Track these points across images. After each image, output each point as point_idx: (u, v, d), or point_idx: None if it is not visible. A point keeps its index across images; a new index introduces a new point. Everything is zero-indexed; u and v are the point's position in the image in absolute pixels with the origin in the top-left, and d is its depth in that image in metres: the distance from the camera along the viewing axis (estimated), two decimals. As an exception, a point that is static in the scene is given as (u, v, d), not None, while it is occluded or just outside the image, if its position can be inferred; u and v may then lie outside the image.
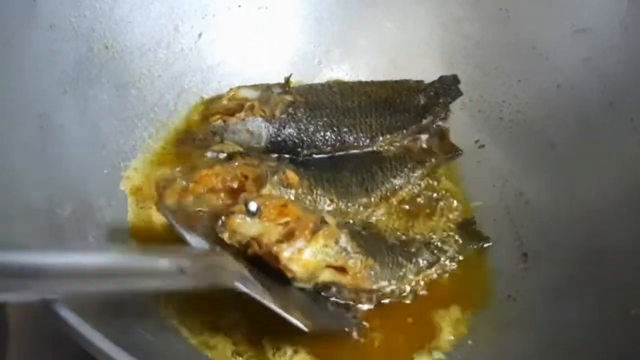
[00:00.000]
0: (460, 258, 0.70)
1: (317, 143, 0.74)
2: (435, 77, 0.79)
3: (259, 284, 0.56)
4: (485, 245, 0.71)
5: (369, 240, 0.65)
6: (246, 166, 0.67)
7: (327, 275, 0.60)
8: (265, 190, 0.64)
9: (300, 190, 0.67)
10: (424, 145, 0.77)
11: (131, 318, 0.55)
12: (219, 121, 0.72)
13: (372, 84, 0.80)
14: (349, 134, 0.75)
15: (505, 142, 0.77)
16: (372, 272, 0.63)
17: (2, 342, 0.60)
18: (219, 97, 0.75)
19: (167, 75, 0.76)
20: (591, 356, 0.57)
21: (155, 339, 0.56)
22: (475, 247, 0.71)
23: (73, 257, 0.44)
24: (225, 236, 0.57)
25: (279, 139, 0.73)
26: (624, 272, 0.61)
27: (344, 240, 0.61)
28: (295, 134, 0.73)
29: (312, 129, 0.74)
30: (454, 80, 0.79)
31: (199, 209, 0.63)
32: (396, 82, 0.80)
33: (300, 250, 0.57)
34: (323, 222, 0.60)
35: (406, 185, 0.73)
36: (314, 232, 0.58)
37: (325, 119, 0.75)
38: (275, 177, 0.66)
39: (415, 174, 0.74)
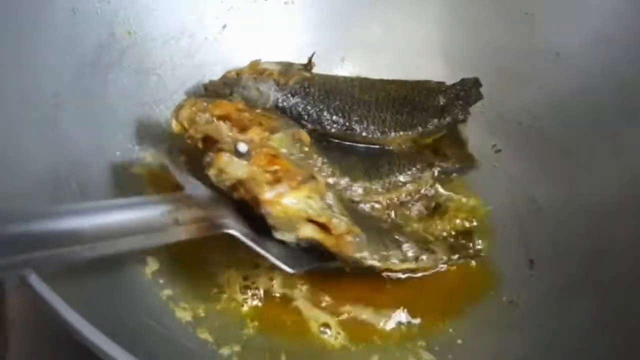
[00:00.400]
0: (444, 265, 0.68)
1: (323, 122, 0.74)
2: (456, 80, 0.79)
3: (249, 229, 0.58)
4: (472, 261, 0.70)
5: (358, 213, 0.65)
6: (265, 115, 0.65)
7: (308, 231, 0.58)
8: (275, 136, 0.62)
9: (306, 151, 0.65)
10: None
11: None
12: (233, 73, 0.73)
13: (393, 82, 0.80)
14: (359, 124, 0.75)
15: (522, 148, 0.77)
16: (358, 240, 0.60)
17: (2, 342, 0.60)
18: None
19: (189, 64, 0.77)
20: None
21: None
22: (462, 261, 0.69)
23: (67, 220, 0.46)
24: (212, 173, 0.56)
25: (284, 104, 0.73)
26: (629, 281, 0.61)
27: (330, 197, 0.59)
28: (302, 106, 0.74)
29: (320, 107, 0.74)
30: (476, 83, 0.79)
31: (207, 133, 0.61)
32: (417, 82, 0.80)
33: (281, 194, 0.56)
34: (312, 177, 0.59)
35: (413, 183, 0.73)
36: (300, 184, 0.57)
37: (337, 102, 0.75)
38: (289, 130, 0.65)
39: (424, 175, 0.74)
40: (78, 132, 0.63)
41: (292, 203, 0.57)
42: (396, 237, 0.66)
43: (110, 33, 0.69)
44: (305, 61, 0.76)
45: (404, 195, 0.72)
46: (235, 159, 0.56)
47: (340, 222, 0.59)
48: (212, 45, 0.78)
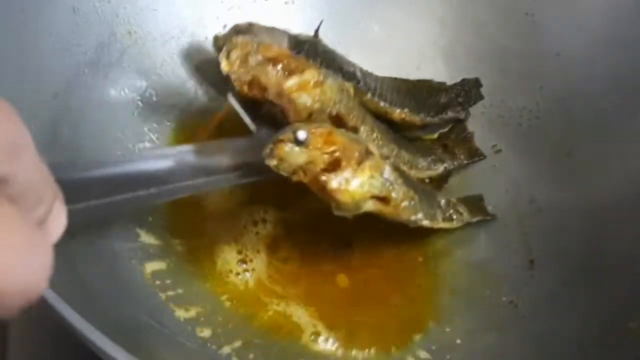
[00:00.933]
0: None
1: (342, 67, 0.72)
2: (457, 80, 0.79)
3: None
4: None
5: (407, 177, 0.66)
6: (312, 66, 0.64)
7: (370, 206, 0.60)
8: (327, 82, 0.62)
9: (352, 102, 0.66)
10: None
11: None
12: (245, 23, 0.70)
13: (394, 79, 0.80)
14: (368, 86, 0.74)
15: (522, 149, 0.76)
16: (412, 203, 0.63)
17: (2, 342, 0.60)
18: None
19: (190, 63, 0.76)
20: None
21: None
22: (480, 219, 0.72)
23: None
24: (272, 164, 0.56)
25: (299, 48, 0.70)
26: (630, 282, 0.61)
27: (387, 171, 0.60)
28: (313, 52, 0.71)
29: (334, 57, 0.73)
30: (476, 83, 0.79)
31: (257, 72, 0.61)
32: (418, 80, 0.80)
33: (347, 180, 0.57)
34: (368, 152, 0.59)
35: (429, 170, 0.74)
36: (359, 162, 0.58)
37: (347, 63, 0.74)
38: (337, 81, 0.65)
39: (436, 168, 0.74)
40: (78, 133, 0.63)
41: (357, 187, 0.57)
42: (437, 198, 0.68)
43: (110, 33, 0.69)
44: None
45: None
46: (296, 148, 0.56)
47: (398, 193, 0.61)
48: (212, 45, 0.78)
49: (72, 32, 0.64)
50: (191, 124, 0.76)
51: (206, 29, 0.78)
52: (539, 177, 0.74)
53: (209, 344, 0.60)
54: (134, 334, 0.53)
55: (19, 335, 0.60)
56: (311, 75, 0.59)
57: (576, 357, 0.58)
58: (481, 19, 0.80)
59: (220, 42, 0.70)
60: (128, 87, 0.71)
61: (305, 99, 0.59)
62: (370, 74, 0.76)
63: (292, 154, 0.56)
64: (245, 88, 0.60)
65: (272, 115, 0.63)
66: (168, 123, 0.74)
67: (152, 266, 0.63)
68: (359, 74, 0.74)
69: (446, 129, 0.79)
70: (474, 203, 0.73)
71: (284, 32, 0.71)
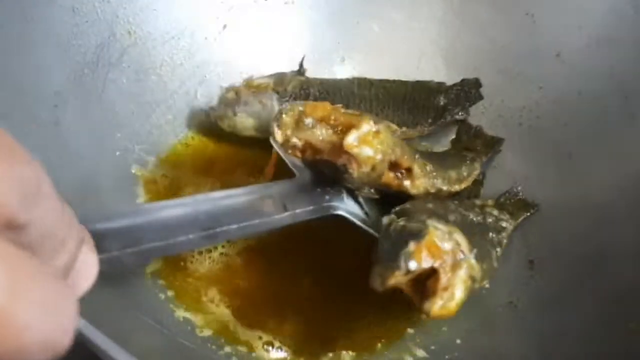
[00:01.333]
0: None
1: None
2: (457, 80, 0.79)
3: (359, 208, 0.64)
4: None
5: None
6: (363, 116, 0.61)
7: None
8: (381, 132, 0.58)
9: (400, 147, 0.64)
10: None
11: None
12: (232, 93, 0.73)
13: (392, 82, 0.80)
14: None
15: (522, 149, 0.76)
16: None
17: None
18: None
19: (189, 63, 0.77)
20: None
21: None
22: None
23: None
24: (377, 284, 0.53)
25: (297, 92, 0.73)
26: (630, 283, 0.60)
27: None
28: (324, 92, 0.73)
29: (336, 85, 0.74)
30: (476, 83, 0.79)
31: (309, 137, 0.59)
32: (417, 82, 0.80)
33: (451, 296, 0.54)
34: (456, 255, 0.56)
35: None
36: (453, 269, 0.55)
37: (338, 99, 0.74)
38: (389, 126, 0.62)
39: (475, 170, 0.74)
40: (77, 132, 0.63)
41: (460, 298, 0.54)
42: (489, 233, 0.66)
43: (110, 33, 0.69)
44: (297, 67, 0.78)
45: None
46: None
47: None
48: (212, 45, 0.78)
49: (72, 32, 0.64)
50: (191, 123, 0.76)
51: (206, 29, 0.78)
52: (539, 178, 0.74)
53: (209, 344, 0.60)
54: (133, 334, 0.53)
55: None
56: (368, 126, 0.57)
57: (576, 358, 0.58)
58: (481, 19, 0.79)
59: (214, 115, 0.73)
60: (128, 86, 0.71)
61: (368, 152, 0.57)
62: (365, 83, 0.77)
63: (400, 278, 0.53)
64: (299, 154, 0.59)
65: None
66: (168, 121, 0.74)
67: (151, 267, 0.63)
68: (356, 89, 0.76)
69: (454, 136, 0.79)
70: (513, 204, 0.72)
71: (270, 94, 0.73)
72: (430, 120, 0.78)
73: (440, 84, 0.80)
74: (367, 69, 0.82)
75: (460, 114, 0.78)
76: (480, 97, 0.78)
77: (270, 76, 0.75)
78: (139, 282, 0.61)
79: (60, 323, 0.25)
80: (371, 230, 0.62)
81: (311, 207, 0.61)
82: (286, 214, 0.58)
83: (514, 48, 0.78)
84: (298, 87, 0.74)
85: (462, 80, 0.79)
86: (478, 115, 0.79)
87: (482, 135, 0.78)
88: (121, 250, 0.46)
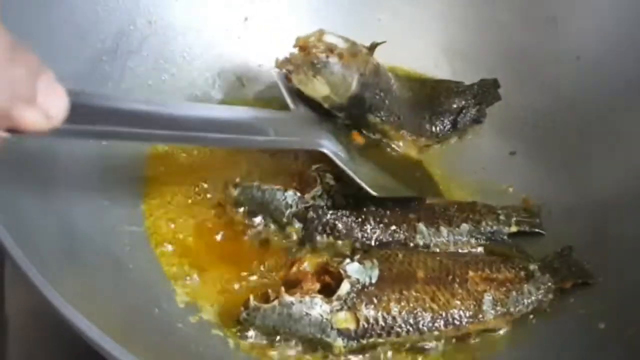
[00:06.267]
0: None
1: (383, 114, 0.73)
2: (475, 80, 0.79)
3: (343, 149, 0.66)
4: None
5: None
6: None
7: None
8: None
9: None
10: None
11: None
12: (323, 55, 0.68)
13: (414, 80, 0.80)
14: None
15: (537, 151, 0.76)
16: None
17: (2, 342, 0.60)
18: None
19: (208, 54, 0.77)
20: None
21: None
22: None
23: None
24: None
25: (362, 95, 0.70)
26: (627, 292, 0.61)
27: None
28: (370, 98, 0.71)
29: (383, 103, 0.73)
30: (494, 84, 0.79)
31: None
32: (436, 81, 0.81)
33: None
34: None
35: None
36: None
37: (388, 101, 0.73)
38: None
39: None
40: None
41: None
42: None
43: (131, 21, 0.70)
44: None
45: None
46: None
47: None
48: (232, 36, 0.79)
49: (92, 19, 0.66)
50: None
51: (227, 21, 0.79)
52: (552, 180, 0.74)
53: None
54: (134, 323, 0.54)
55: (19, 335, 0.61)
56: None
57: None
58: (501, 21, 0.79)
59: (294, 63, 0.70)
60: (146, 75, 0.72)
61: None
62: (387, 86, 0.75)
63: None
64: None
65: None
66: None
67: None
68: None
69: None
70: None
71: (354, 74, 0.70)
72: (449, 126, 0.77)
73: (458, 83, 0.80)
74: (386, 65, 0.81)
75: (477, 116, 0.78)
76: (498, 98, 0.78)
77: (344, 40, 0.70)
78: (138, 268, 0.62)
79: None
80: (351, 173, 0.64)
81: (297, 138, 0.64)
82: (269, 137, 0.60)
83: (534, 50, 0.79)
84: (372, 73, 0.71)
85: (481, 81, 0.79)
86: (493, 116, 0.78)
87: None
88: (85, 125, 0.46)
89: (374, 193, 0.64)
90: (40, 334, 0.61)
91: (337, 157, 0.65)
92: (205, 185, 0.68)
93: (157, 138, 0.55)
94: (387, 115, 0.73)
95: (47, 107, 0.36)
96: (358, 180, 0.64)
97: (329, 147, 0.65)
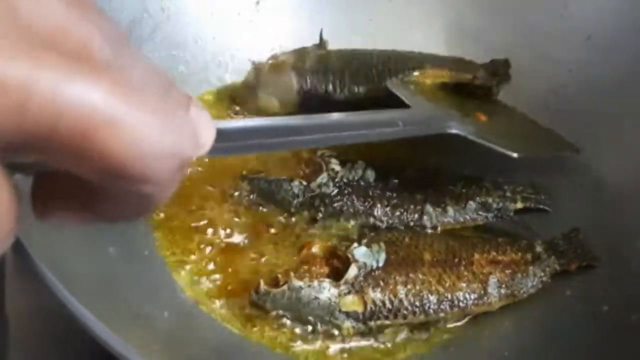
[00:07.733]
0: None
1: (350, 87, 0.75)
2: (486, 60, 0.79)
3: (471, 124, 0.68)
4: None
5: None
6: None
7: None
8: None
9: None
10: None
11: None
12: (252, 73, 0.75)
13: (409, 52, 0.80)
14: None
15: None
16: None
17: (2, 342, 0.60)
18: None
19: (221, 39, 0.78)
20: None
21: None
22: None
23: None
24: None
25: (308, 86, 0.74)
26: (632, 277, 0.61)
27: None
28: (324, 82, 0.74)
29: (343, 73, 0.75)
30: (505, 64, 0.78)
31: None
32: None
33: None
34: None
35: None
36: None
37: (359, 67, 0.75)
38: None
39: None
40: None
41: None
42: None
43: (144, 9, 0.71)
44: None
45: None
46: None
47: None
48: (244, 21, 0.80)
49: (105, 6, 0.66)
50: (221, 100, 0.78)
51: (239, 5, 0.80)
52: (561, 159, 0.74)
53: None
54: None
55: (19, 335, 0.60)
56: None
57: (579, 350, 0.59)
58: (513, 1, 0.79)
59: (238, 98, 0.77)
60: (160, 62, 0.73)
61: None
62: (384, 55, 0.77)
63: None
64: None
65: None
66: (199, 96, 0.77)
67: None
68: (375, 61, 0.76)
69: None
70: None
71: (288, 72, 0.75)
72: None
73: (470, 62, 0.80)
74: (395, 45, 0.82)
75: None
76: (509, 79, 0.78)
77: (294, 51, 0.77)
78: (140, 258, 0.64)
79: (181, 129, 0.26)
80: (487, 143, 0.66)
81: (423, 126, 0.65)
82: (399, 128, 0.60)
83: (544, 30, 0.78)
84: (316, 61, 0.75)
85: (491, 61, 0.79)
86: (504, 98, 0.78)
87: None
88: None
89: (514, 155, 0.66)
90: (41, 335, 0.61)
91: (469, 133, 0.67)
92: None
93: (309, 142, 0.54)
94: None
95: (199, 136, 0.31)
96: (497, 147, 0.66)
97: (457, 127, 0.66)
